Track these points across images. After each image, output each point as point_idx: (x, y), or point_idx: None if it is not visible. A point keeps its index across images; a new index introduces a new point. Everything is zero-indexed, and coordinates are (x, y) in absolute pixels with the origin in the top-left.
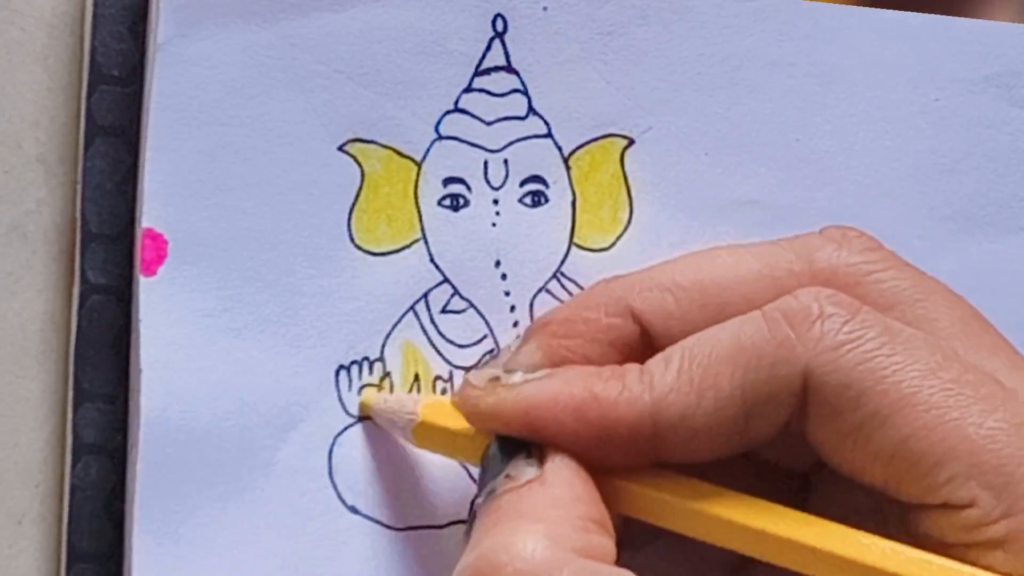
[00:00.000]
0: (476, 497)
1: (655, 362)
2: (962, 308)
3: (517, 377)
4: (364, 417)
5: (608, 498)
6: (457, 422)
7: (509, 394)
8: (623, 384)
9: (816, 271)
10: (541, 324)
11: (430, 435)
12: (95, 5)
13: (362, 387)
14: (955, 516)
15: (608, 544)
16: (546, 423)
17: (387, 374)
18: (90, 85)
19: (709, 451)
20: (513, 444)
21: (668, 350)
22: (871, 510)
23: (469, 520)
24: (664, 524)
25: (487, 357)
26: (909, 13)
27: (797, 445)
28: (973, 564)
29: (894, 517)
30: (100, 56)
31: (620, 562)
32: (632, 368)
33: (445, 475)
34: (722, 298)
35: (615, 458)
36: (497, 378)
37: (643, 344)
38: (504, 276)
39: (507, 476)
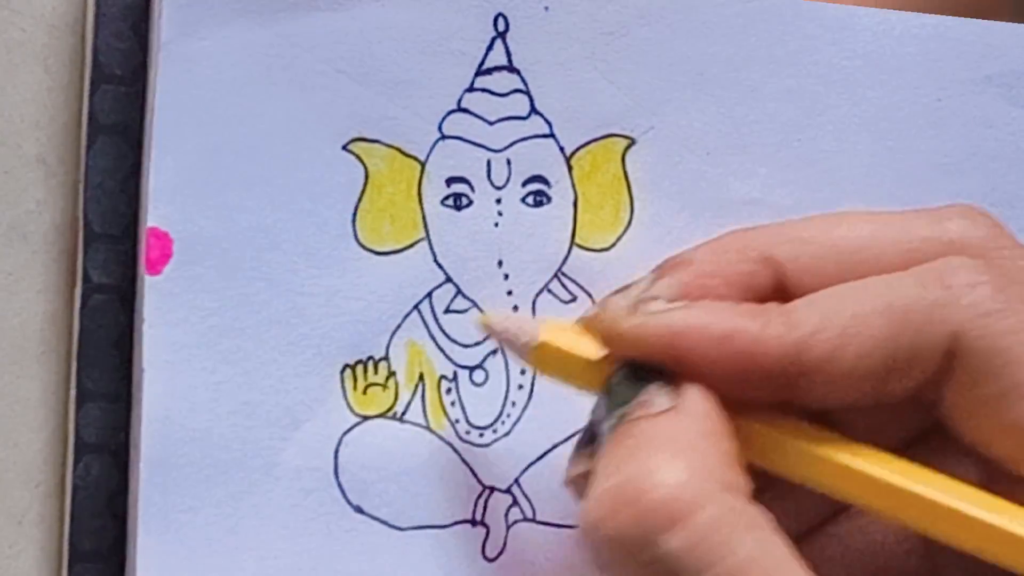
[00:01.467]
0: (599, 422)
1: (801, 303)
2: None
3: (658, 304)
4: (369, 416)
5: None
6: (578, 346)
7: (653, 318)
8: (768, 320)
9: (947, 241)
10: (677, 262)
11: (550, 357)
12: (97, 5)
13: (367, 387)
14: None
15: (746, 482)
16: (690, 350)
17: (392, 373)
18: (92, 84)
19: (845, 398)
20: (643, 373)
21: (812, 295)
22: None
23: (585, 440)
24: (785, 470)
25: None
26: (911, 13)
27: (892, 421)
28: None
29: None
30: (102, 55)
31: None
32: (774, 307)
33: (451, 475)
34: (858, 258)
35: (751, 393)
36: (641, 302)
37: (775, 295)
38: (507, 276)
39: (640, 403)
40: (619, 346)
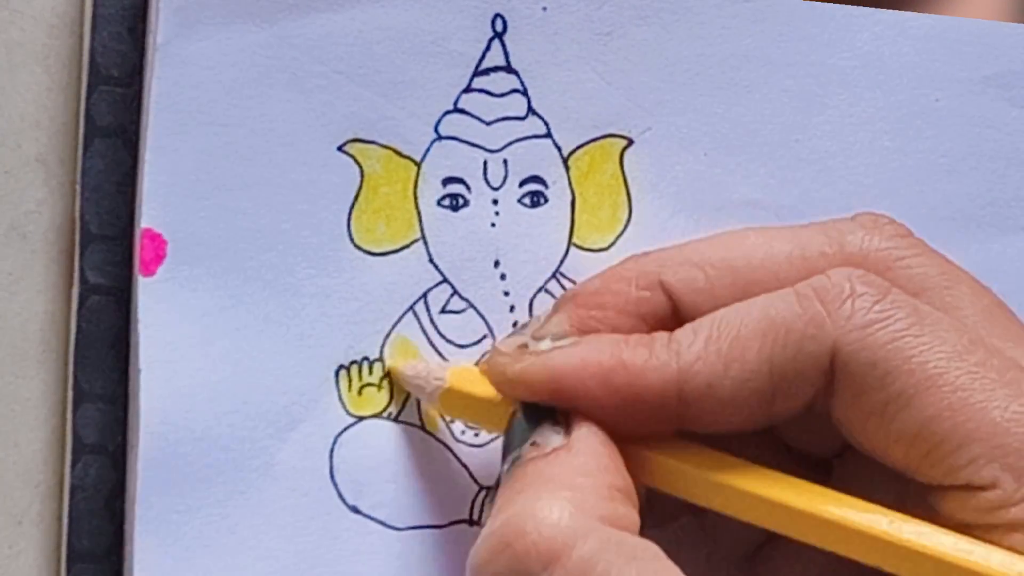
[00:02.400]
0: (501, 465)
1: (683, 331)
2: (988, 298)
3: (545, 344)
4: (364, 416)
5: (633, 468)
6: (484, 389)
7: (537, 360)
8: (650, 351)
9: (847, 255)
10: (571, 295)
11: (457, 402)
12: (95, 6)
13: (362, 387)
14: (976, 497)
15: (632, 514)
16: (573, 389)
17: (387, 374)
18: (89, 86)
19: (734, 422)
20: (539, 412)
21: (697, 321)
22: (892, 497)
23: (493, 488)
24: (688, 496)
25: (517, 326)
26: (909, 13)
27: (820, 429)
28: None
29: (914, 502)
30: (100, 57)
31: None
32: (660, 336)
33: (446, 475)
34: (752, 277)
35: (640, 425)
36: (525, 345)
37: (672, 319)
38: (503, 276)
39: (533, 443)
40: (507, 391)
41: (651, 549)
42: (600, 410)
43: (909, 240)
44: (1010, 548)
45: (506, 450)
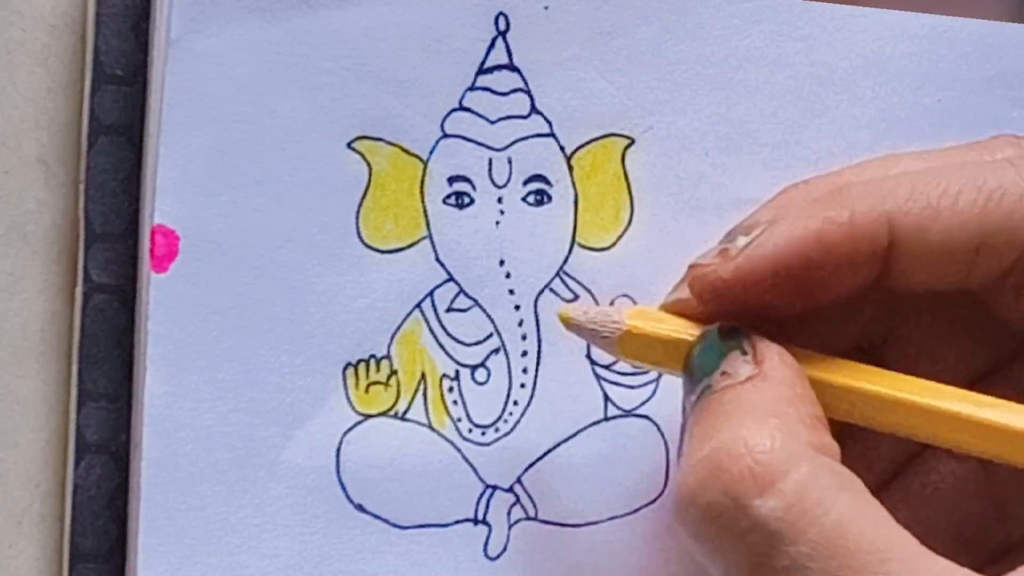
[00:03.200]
0: (687, 397)
1: (888, 178)
2: None
3: (742, 240)
4: (371, 414)
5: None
6: (663, 327)
7: (747, 251)
8: (851, 203)
9: (1002, 160)
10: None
11: (636, 343)
12: (97, 4)
13: (369, 385)
14: None
15: (834, 443)
16: (794, 261)
17: (394, 372)
18: (93, 84)
19: (936, 276)
20: (725, 341)
21: (903, 171)
22: None
23: (685, 418)
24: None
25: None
26: (910, 13)
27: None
28: None
29: None
30: (103, 56)
31: None
32: (858, 185)
33: (453, 474)
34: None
35: (857, 280)
36: (725, 249)
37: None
38: (508, 275)
39: (723, 373)
40: (722, 295)
41: (857, 481)
42: (821, 274)
43: None
44: None
45: (688, 384)
